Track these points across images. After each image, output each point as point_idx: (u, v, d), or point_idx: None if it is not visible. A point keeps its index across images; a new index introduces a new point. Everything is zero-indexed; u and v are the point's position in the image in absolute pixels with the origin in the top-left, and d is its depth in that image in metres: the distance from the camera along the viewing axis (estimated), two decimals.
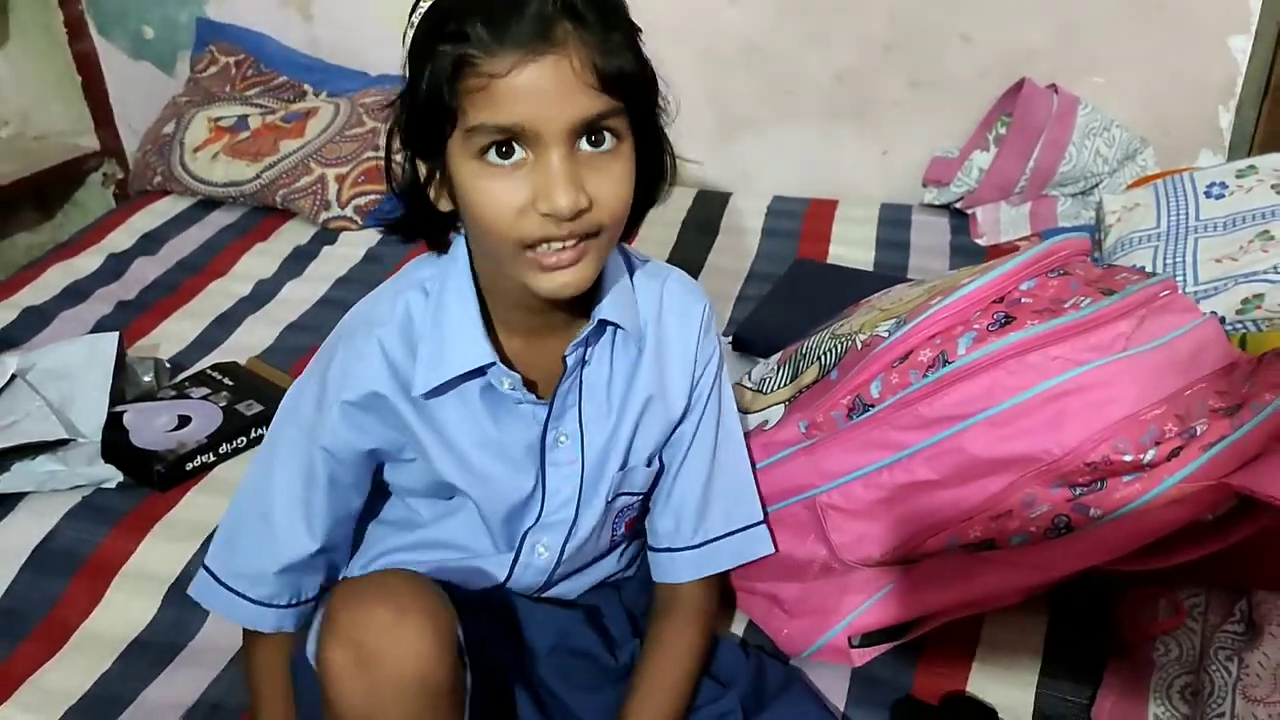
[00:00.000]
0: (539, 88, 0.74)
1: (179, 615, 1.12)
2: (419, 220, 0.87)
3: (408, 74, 0.79)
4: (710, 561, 0.99)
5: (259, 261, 1.87)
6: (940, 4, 1.92)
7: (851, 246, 1.86)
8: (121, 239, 1.94)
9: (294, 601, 0.92)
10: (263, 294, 1.77)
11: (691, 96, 2.06)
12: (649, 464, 0.97)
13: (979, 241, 1.87)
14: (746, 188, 2.10)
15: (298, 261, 1.87)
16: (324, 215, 1.97)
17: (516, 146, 0.76)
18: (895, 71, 2.00)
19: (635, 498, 0.98)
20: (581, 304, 0.88)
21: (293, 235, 1.95)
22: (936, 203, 1.99)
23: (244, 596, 0.91)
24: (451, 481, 0.91)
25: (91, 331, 1.62)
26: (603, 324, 0.90)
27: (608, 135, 0.78)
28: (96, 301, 1.73)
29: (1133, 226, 1.63)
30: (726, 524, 1.00)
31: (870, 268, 1.79)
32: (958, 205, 1.96)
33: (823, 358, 1.04)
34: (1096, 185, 1.88)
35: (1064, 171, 1.86)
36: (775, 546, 1.02)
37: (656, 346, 0.94)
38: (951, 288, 0.96)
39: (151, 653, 1.08)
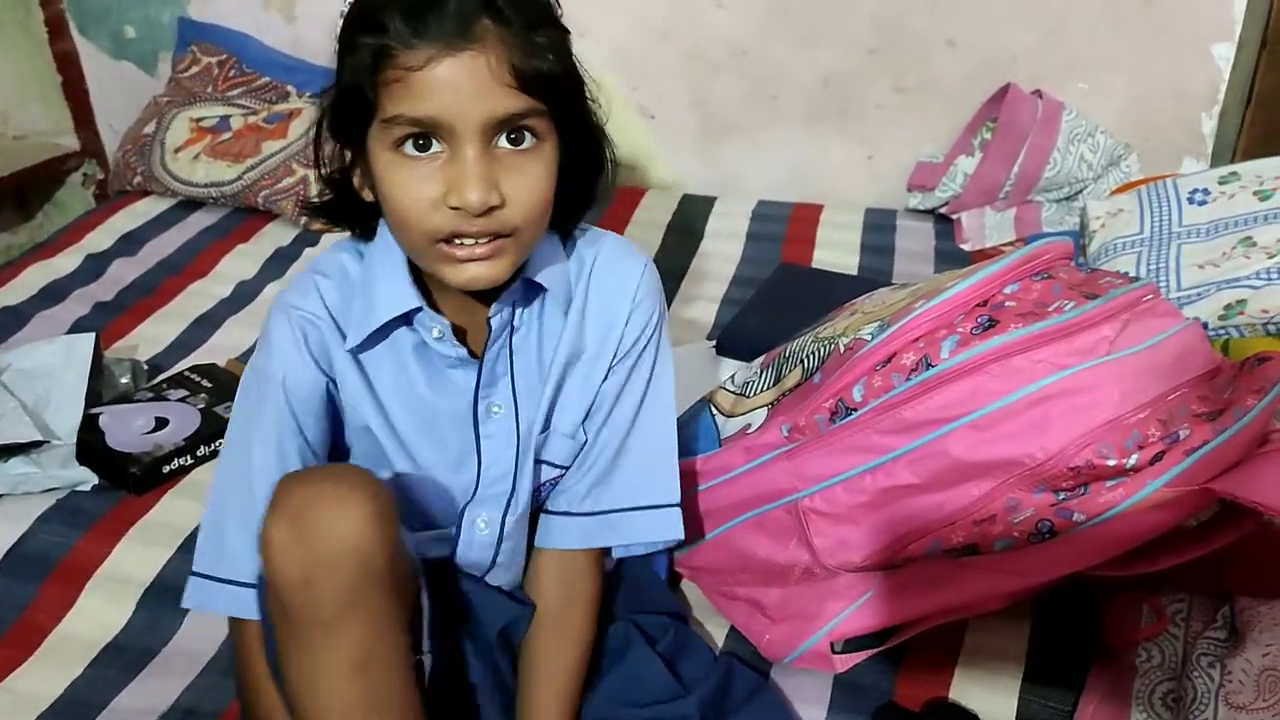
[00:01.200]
0: (454, 83, 0.75)
1: (153, 620, 1.10)
2: (344, 206, 0.89)
3: (336, 56, 0.81)
4: (603, 533, 0.96)
5: (240, 263, 1.85)
6: (925, 9, 1.93)
7: (836, 251, 1.86)
8: (101, 239, 1.92)
9: None
10: (243, 295, 1.75)
11: (677, 99, 2.09)
12: (573, 436, 0.95)
13: (964, 247, 1.87)
14: (731, 191, 2.10)
15: (279, 263, 1.86)
16: (306, 217, 1.96)
17: (434, 140, 0.78)
18: (880, 76, 2.00)
19: (559, 470, 0.96)
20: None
21: (274, 236, 1.94)
22: (921, 208, 1.99)
23: (244, 584, 0.87)
24: (382, 448, 0.91)
25: (69, 332, 1.60)
26: (530, 286, 0.89)
27: (527, 135, 0.79)
28: (74, 302, 1.71)
29: (1117, 232, 1.64)
30: (632, 499, 0.97)
31: (855, 272, 1.79)
32: (943, 210, 1.96)
33: (806, 361, 1.04)
34: (1081, 191, 1.88)
35: (1048, 177, 1.86)
36: (684, 535, 0.98)
37: (583, 306, 0.94)
38: (935, 291, 0.96)
39: (125, 658, 1.07)
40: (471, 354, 0.90)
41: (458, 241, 0.80)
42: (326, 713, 0.75)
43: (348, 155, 0.85)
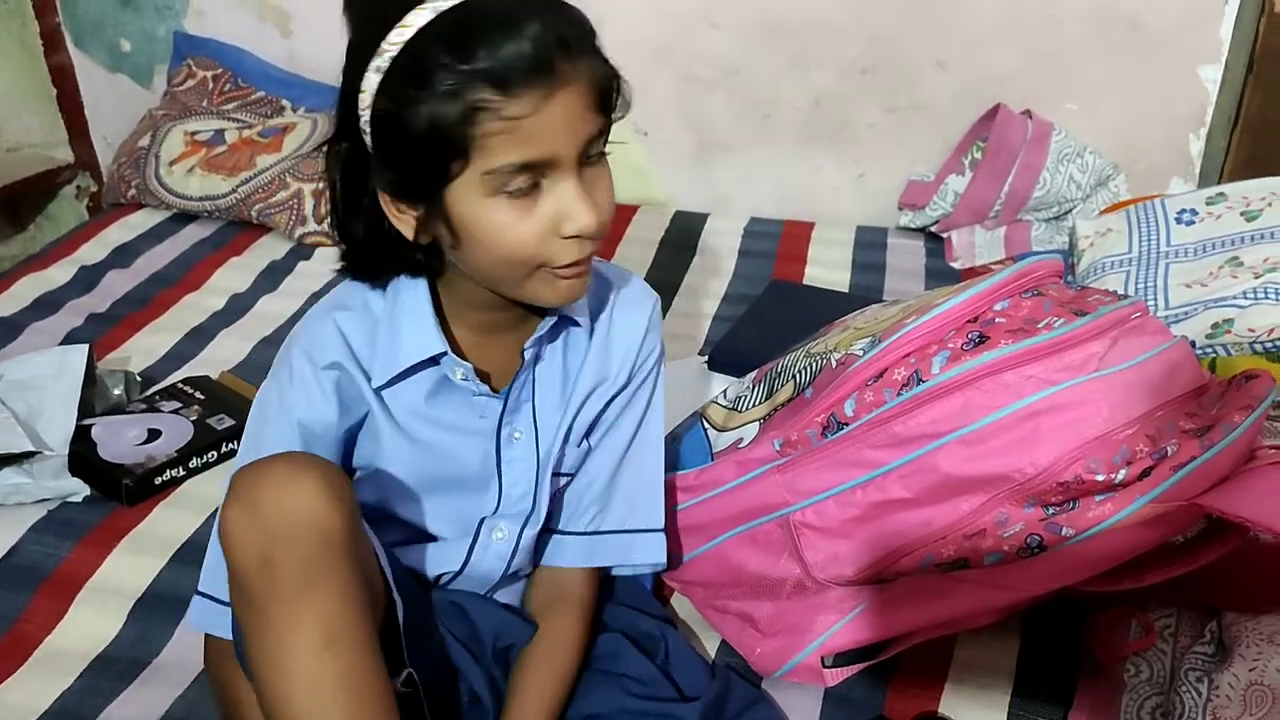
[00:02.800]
0: (558, 123, 0.77)
1: (144, 631, 1.10)
2: (379, 257, 0.88)
3: (379, 115, 0.78)
4: (596, 553, 1.00)
5: (233, 275, 1.86)
6: (916, 30, 1.94)
7: (827, 269, 1.87)
8: (94, 251, 1.92)
9: None
10: (237, 308, 1.76)
11: (671, 118, 2.10)
12: (579, 445, 0.98)
13: (954, 265, 1.88)
14: (724, 209, 2.11)
15: (272, 276, 1.86)
16: (300, 230, 1.96)
17: (538, 179, 0.79)
18: (872, 96, 2.02)
19: (568, 477, 0.99)
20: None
21: (268, 250, 1.94)
22: (912, 226, 2.00)
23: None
24: (403, 467, 0.93)
25: (62, 344, 1.60)
26: (562, 320, 0.93)
27: (597, 147, 0.83)
28: (67, 313, 1.71)
29: (1105, 251, 1.65)
30: (621, 521, 1.00)
31: (846, 290, 1.80)
32: (933, 229, 1.97)
33: (798, 376, 1.04)
34: (1070, 211, 1.90)
35: (1038, 196, 1.88)
36: (666, 561, 1.02)
37: (605, 338, 0.97)
38: (926, 307, 0.97)
39: (115, 669, 1.06)
40: (493, 390, 0.92)
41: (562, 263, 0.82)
42: (294, 691, 0.74)
43: (403, 207, 0.82)
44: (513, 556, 0.97)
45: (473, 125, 0.76)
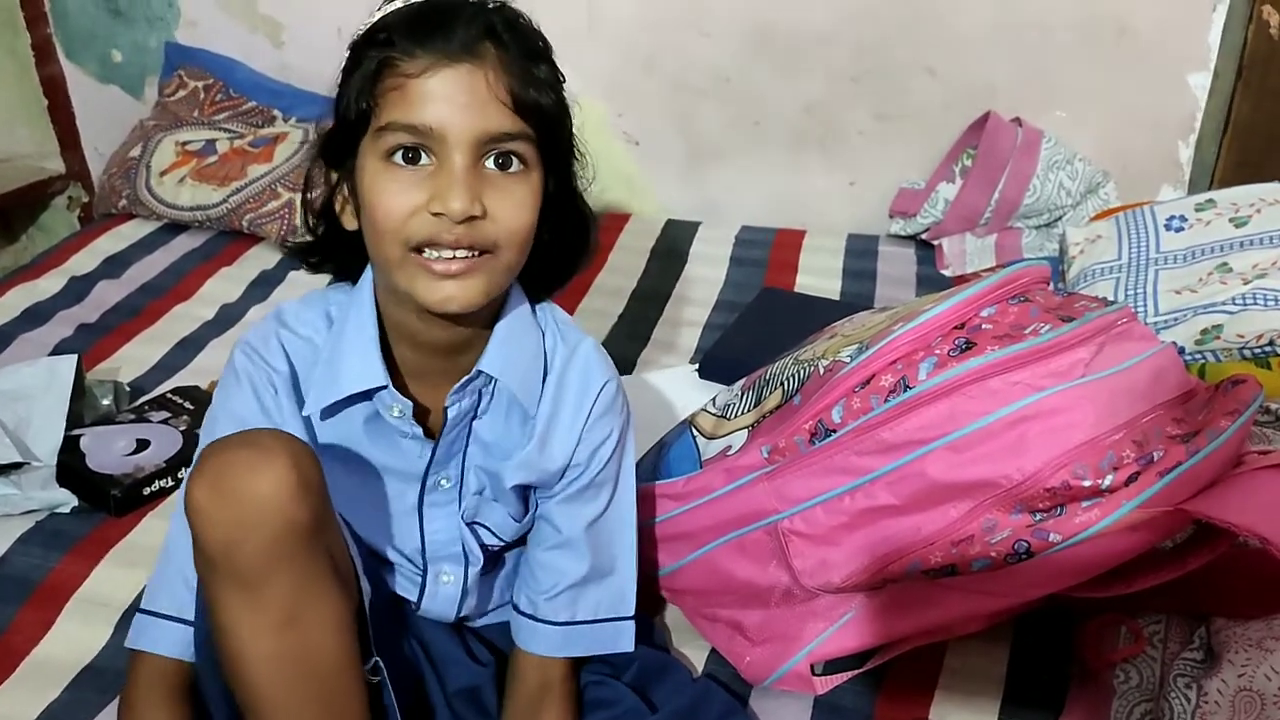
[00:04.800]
0: (450, 93, 0.77)
1: None
2: (328, 244, 0.90)
3: (339, 90, 0.83)
4: (571, 644, 0.96)
5: (224, 285, 1.85)
6: (906, 38, 1.95)
7: (818, 276, 1.87)
8: (85, 262, 1.91)
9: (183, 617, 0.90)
10: (227, 318, 1.75)
11: (662, 126, 2.10)
12: (519, 519, 0.95)
13: (944, 272, 1.88)
14: (715, 218, 2.11)
15: (263, 286, 1.86)
16: (291, 240, 1.96)
17: (424, 153, 0.79)
18: (862, 104, 2.02)
19: (499, 540, 0.96)
20: (477, 352, 0.89)
21: (259, 260, 1.94)
22: (903, 233, 2.00)
23: (166, 616, 0.89)
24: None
25: (51, 354, 1.59)
26: (488, 376, 0.89)
27: (514, 159, 0.81)
28: (57, 324, 1.70)
29: (1095, 258, 1.66)
30: (594, 613, 0.97)
31: (837, 297, 1.80)
32: (924, 236, 1.98)
33: (786, 383, 1.04)
34: (1060, 218, 1.90)
35: (1028, 204, 1.88)
36: (634, 646, 0.98)
37: (549, 420, 0.92)
38: (913, 313, 0.97)
39: (102, 681, 1.06)
40: (428, 433, 0.90)
41: (432, 253, 0.80)
42: (255, 670, 0.75)
43: (334, 177, 0.86)
44: (462, 599, 0.96)
45: (378, 80, 0.79)
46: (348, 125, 0.81)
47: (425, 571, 0.95)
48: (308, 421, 0.89)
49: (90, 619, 1.12)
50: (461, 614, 0.98)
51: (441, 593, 0.96)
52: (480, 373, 0.88)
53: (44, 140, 2.45)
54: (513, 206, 0.81)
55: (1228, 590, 0.97)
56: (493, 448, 0.93)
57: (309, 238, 0.92)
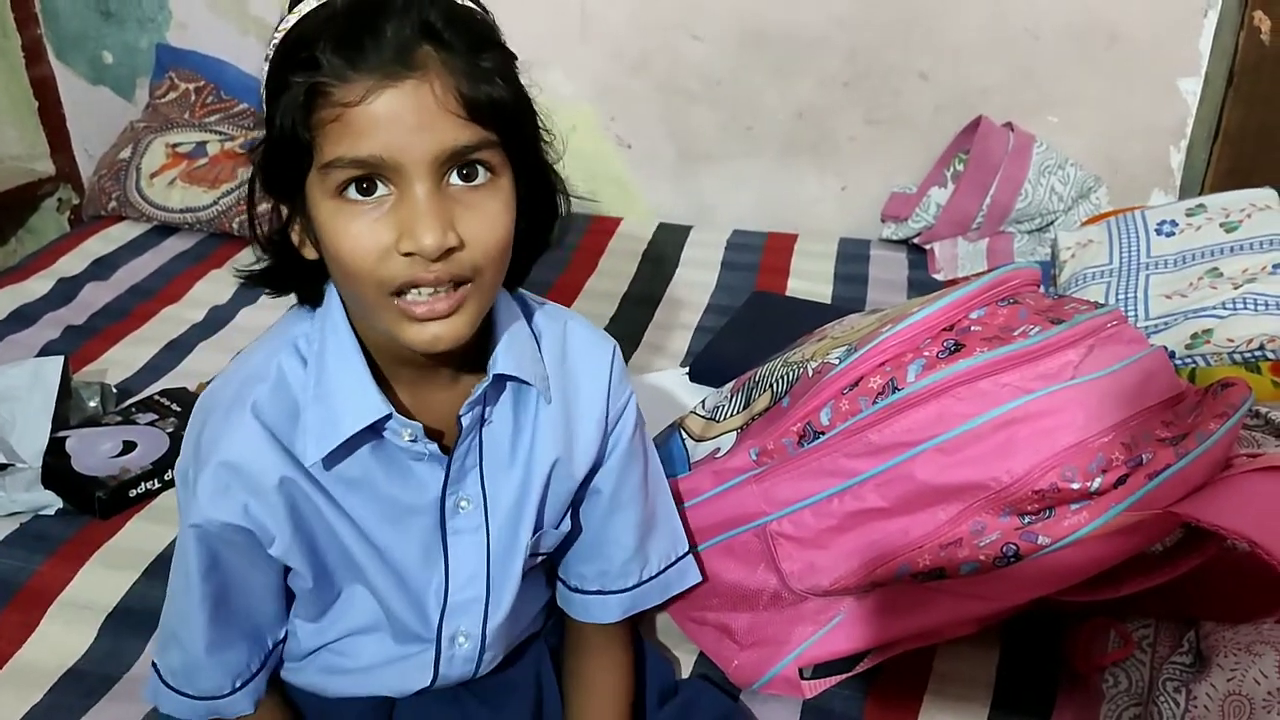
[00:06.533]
0: (397, 116, 0.67)
1: (115, 645, 1.09)
2: (286, 271, 0.81)
3: (264, 110, 0.73)
4: (642, 600, 0.97)
5: (213, 288, 1.84)
6: (898, 42, 1.95)
7: (810, 280, 1.87)
8: (73, 263, 1.90)
9: (239, 685, 0.87)
10: (216, 320, 1.74)
11: (654, 130, 2.10)
12: (558, 525, 0.92)
13: (936, 277, 1.88)
14: (706, 221, 2.11)
15: (252, 289, 1.84)
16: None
17: (379, 182, 0.70)
18: (854, 108, 2.02)
19: (540, 558, 0.93)
20: (474, 353, 0.82)
21: (248, 262, 1.92)
22: (895, 238, 2.00)
23: (187, 695, 0.87)
24: (353, 556, 0.85)
25: (38, 356, 1.58)
26: (500, 379, 0.83)
27: (480, 169, 0.71)
28: (44, 326, 1.70)
29: (1086, 262, 1.66)
30: (660, 564, 0.98)
31: (829, 301, 1.80)
32: (916, 240, 1.98)
33: (775, 385, 1.04)
34: (1052, 222, 1.90)
35: (1020, 208, 1.88)
36: (704, 574, 1.00)
37: (563, 399, 0.87)
38: (902, 315, 0.96)
39: (85, 684, 1.05)
40: (442, 449, 0.83)
41: (414, 295, 0.72)
42: None
43: (284, 211, 0.76)
44: (482, 653, 0.91)
45: (310, 111, 0.68)
46: (286, 158, 0.71)
47: (440, 637, 0.89)
48: (307, 472, 0.80)
49: (74, 622, 1.11)
50: (479, 671, 0.93)
51: (459, 656, 0.91)
52: (499, 377, 0.83)
53: (34, 142, 2.44)
54: (487, 226, 0.72)
55: (1217, 594, 0.97)
56: (510, 448, 0.87)
57: (261, 264, 0.83)
